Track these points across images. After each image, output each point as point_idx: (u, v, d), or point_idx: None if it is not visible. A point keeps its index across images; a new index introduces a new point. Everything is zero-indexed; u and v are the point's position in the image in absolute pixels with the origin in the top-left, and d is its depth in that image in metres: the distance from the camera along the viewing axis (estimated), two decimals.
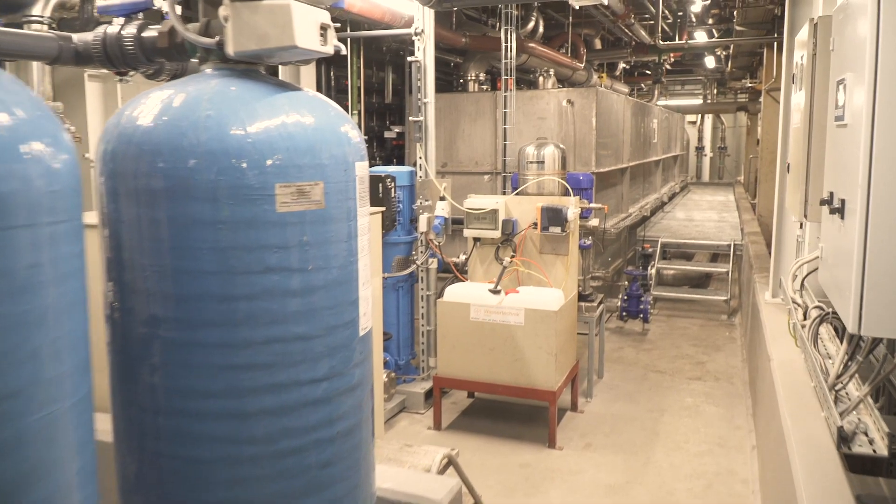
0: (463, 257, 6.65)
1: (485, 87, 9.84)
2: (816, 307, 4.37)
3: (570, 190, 6.07)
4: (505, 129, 7.60)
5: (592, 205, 6.41)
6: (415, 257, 6.49)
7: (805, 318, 4.37)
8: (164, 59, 2.50)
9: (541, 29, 11.31)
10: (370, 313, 2.41)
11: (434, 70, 6.37)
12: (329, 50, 2.28)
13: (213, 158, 1.97)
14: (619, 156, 10.13)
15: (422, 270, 6.54)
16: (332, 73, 9.01)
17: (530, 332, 5.51)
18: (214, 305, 2.02)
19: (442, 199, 6.32)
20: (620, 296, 9.12)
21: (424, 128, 6.41)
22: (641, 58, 14.10)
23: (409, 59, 6.32)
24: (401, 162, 9.66)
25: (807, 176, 3.40)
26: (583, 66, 12.15)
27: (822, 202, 2.94)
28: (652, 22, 15.90)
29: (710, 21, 12.47)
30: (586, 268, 6.92)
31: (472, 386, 5.88)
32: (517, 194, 6.46)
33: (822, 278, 3.18)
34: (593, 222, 6.37)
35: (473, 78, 9.36)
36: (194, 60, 2.32)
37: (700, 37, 14.12)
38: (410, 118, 6.45)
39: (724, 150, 25.20)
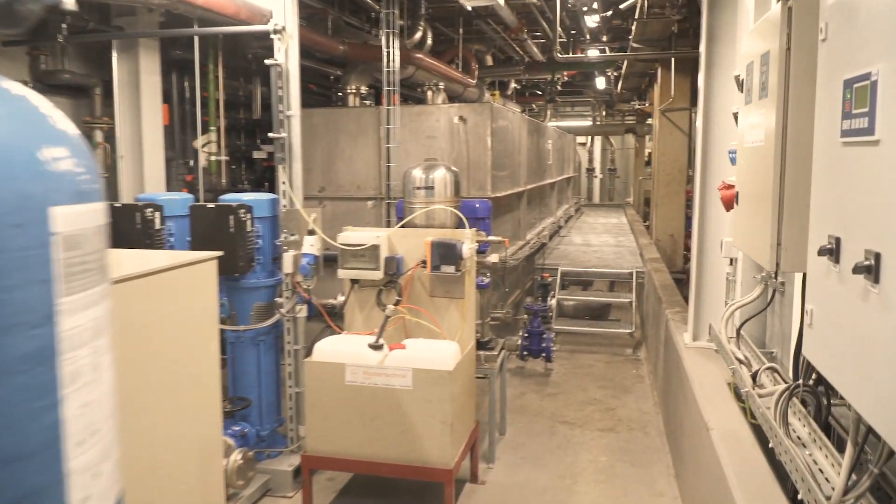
0: (341, 298, 5.53)
1: (367, 101, 8.80)
2: (770, 368, 3.56)
3: (465, 221, 5.10)
4: (388, 148, 6.56)
5: (491, 237, 5.46)
6: (280, 304, 5.32)
7: (755, 381, 3.55)
8: None
9: (429, 41, 10.43)
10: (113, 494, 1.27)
11: (299, 77, 5.26)
12: None
13: None
14: (515, 178, 9.33)
15: (288, 320, 5.37)
16: (186, 84, 7.73)
17: (420, 398, 4.46)
18: None
19: (311, 232, 5.19)
20: (520, 333, 8.25)
21: (288, 147, 5.28)
22: (535, 76, 13.54)
23: (267, 62, 5.18)
24: (273, 187, 8.43)
25: (779, 212, 2.53)
26: (475, 82, 11.36)
27: (823, 251, 2.07)
28: (544, 41, 15.45)
29: (605, 38, 12.03)
30: (485, 308, 5.96)
31: (350, 466, 4.74)
32: (403, 226, 5.42)
33: (811, 351, 2.30)
34: (493, 258, 5.42)
35: (354, 91, 8.30)
36: None
37: (593, 52, 13.71)
38: (271, 134, 5.30)
39: (614, 171, 25.33)
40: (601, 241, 13.25)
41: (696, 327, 5.43)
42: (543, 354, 8.12)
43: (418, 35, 9.37)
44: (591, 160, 26.33)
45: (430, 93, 8.15)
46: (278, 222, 5.33)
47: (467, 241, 5.00)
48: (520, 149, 9.58)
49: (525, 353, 8.13)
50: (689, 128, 11.88)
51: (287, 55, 5.19)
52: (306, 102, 10.00)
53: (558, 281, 9.91)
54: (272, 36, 5.18)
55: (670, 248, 12.02)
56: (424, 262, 5.07)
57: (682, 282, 11.66)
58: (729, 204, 4.14)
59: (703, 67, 5.17)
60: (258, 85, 8.61)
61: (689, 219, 12.71)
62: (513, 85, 17.05)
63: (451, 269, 4.99)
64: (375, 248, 5.10)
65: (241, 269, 5.11)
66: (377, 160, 8.08)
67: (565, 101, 24.94)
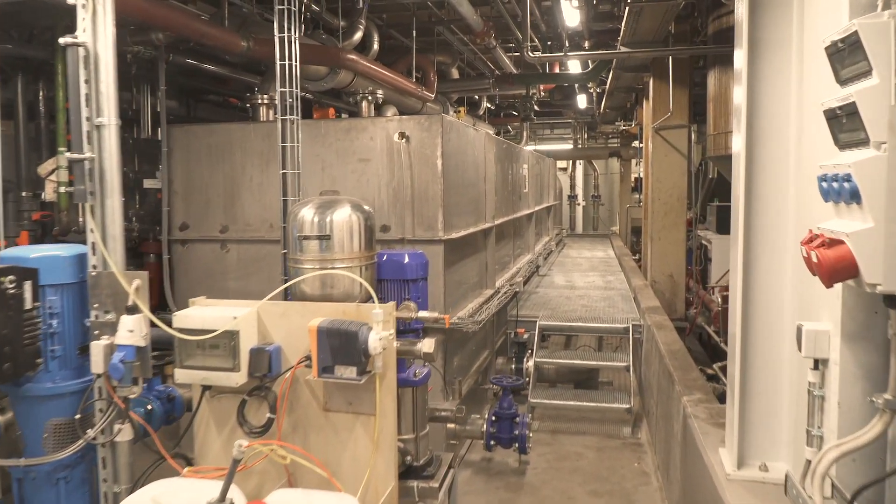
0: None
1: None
2: None
3: (374, 294, 3.15)
4: (284, 175, 4.61)
5: (423, 313, 3.52)
6: (94, 419, 3.36)
7: None
8: None
9: (375, 46, 8.58)
10: None
11: (115, 66, 3.33)
12: None
13: None
14: (480, 212, 7.44)
15: (103, 446, 3.39)
16: (43, 92, 5.82)
17: None
18: None
19: (132, 309, 3.23)
20: (486, 415, 6.29)
21: (98, 173, 3.34)
22: (507, 90, 11.71)
23: (62, 40, 3.25)
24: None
25: None
26: (433, 96, 9.50)
27: None
28: (517, 54, 13.68)
29: (587, 46, 10.27)
30: (420, 410, 3.98)
31: None
32: (287, 298, 3.50)
33: None
34: (425, 345, 3.48)
35: (266, 101, 6.38)
36: None
37: (574, 65, 11.93)
38: (68, 154, 3.34)
39: (598, 198, 23.56)
40: (587, 281, 11.35)
41: (741, 448, 3.49)
42: (516, 444, 6.16)
43: (357, 36, 7.49)
44: (572, 186, 24.58)
45: (364, 103, 6.27)
46: (87, 292, 3.37)
47: (378, 326, 3.06)
48: (485, 175, 7.70)
49: (492, 441, 6.17)
50: (689, 149, 10.09)
51: (94, 33, 3.27)
52: (218, 119, 8.10)
53: (536, 337, 7.98)
54: (72, 2, 3.27)
55: (669, 291, 10.15)
56: (310, 357, 3.12)
57: (683, 331, 9.81)
58: (832, 272, 2.26)
59: (744, 52, 3.30)
60: (146, 94, 6.67)
61: (690, 253, 10.91)
62: (485, 104, 15.25)
63: (350, 371, 3.05)
64: (232, 335, 3.15)
65: (9, 374, 3.13)
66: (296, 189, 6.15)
67: (543, 122, 23.25)
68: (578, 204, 24.78)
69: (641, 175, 19.09)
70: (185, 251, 6.52)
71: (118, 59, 3.37)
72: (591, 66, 11.58)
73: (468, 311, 6.51)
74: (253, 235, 6.27)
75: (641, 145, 18.80)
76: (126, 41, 5.72)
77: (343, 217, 3.50)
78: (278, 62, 4.42)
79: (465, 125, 6.76)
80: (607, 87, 12.84)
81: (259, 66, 7.64)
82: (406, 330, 3.70)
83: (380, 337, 3.05)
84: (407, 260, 3.82)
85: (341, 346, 3.05)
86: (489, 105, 15.92)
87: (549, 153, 17.13)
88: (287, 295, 3.66)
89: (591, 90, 14.85)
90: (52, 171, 5.30)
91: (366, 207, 3.64)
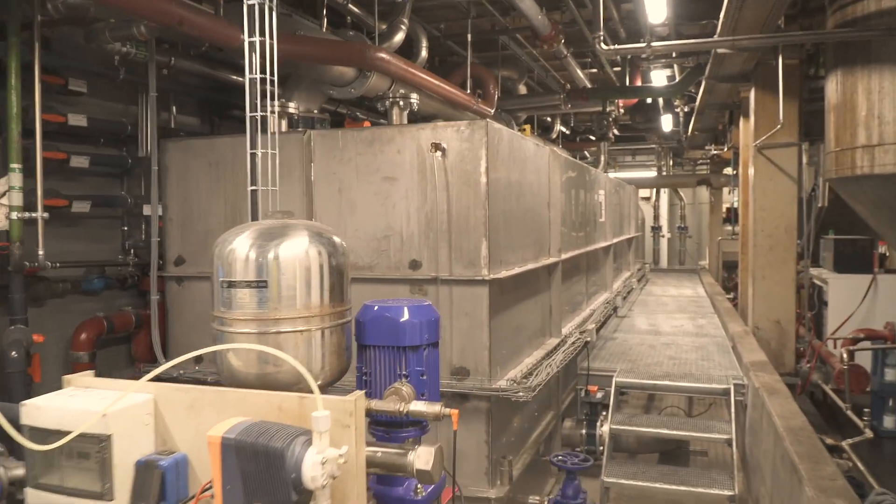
0: None
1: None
2: None
3: (314, 384, 1.88)
4: (253, 194, 3.42)
5: (419, 405, 2.22)
6: None
7: None
8: None
9: (424, 53, 7.44)
10: None
11: None
12: None
13: None
14: (541, 244, 6.10)
15: None
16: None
17: None
18: None
19: None
20: (545, 501, 4.87)
21: None
22: (580, 106, 10.34)
23: None
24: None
25: None
26: (492, 111, 8.25)
27: None
28: (594, 70, 12.33)
29: (672, 54, 8.83)
30: None
31: None
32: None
33: None
34: (421, 461, 2.16)
35: (279, 110, 5.28)
36: None
37: (658, 77, 10.46)
38: None
39: (685, 230, 21.64)
40: (675, 325, 9.74)
41: None
42: None
43: (399, 38, 6.35)
44: (656, 217, 22.74)
45: (395, 110, 5.08)
46: None
47: (320, 440, 1.78)
48: (549, 199, 6.37)
49: None
50: (799, 172, 8.44)
51: None
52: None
53: (613, 398, 6.50)
54: None
55: (776, 341, 8.45)
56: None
57: (793, 388, 8.11)
58: None
59: None
60: (144, 104, 5.69)
61: (799, 291, 9.20)
62: (558, 127, 13.90)
63: None
64: (100, 441, 1.95)
65: None
66: (310, 215, 5.00)
67: (624, 148, 21.66)
68: (663, 236, 22.86)
69: (735, 204, 17.25)
70: (180, 291, 5.45)
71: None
72: (677, 78, 10.10)
73: (523, 370, 5.15)
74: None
75: (734, 172, 16.99)
76: (105, 37, 4.73)
77: (294, 253, 2.25)
78: (247, 38, 3.25)
79: (520, 136, 5.47)
80: (697, 104, 11.28)
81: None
82: (399, 423, 2.41)
83: (322, 460, 1.77)
84: (406, 316, 2.54)
85: (258, 473, 1.78)
86: (563, 128, 14.56)
87: (630, 181, 15.60)
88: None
89: (678, 108, 13.28)
90: (3, 194, 4.31)
91: (334, 239, 2.39)
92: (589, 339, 6.57)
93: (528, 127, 10.56)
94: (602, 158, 12.75)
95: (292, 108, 5.36)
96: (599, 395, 6.57)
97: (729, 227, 17.66)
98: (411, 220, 4.76)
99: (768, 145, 8.38)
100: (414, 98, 5.21)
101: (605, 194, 10.10)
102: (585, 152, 16.77)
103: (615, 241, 10.91)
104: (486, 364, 4.63)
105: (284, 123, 5.35)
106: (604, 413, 6.59)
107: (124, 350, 6.17)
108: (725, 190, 17.79)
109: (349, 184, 4.91)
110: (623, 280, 12.09)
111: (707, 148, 16.50)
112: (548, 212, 6.41)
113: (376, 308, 2.55)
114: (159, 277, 5.43)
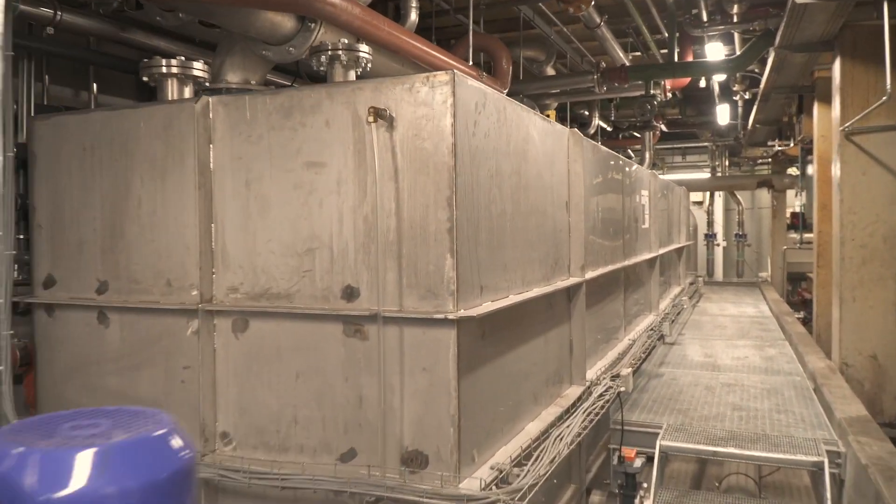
0: None
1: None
2: None
3: None
4: None
5: None
6: None
7: None
8: None
9: (413, 16, 5.89)
10: None
11: None
12: None
13: None
14: (557, 258, 4.45)
15: None
16: None
17: None
18: None
19: None
20: None
21: None
22: (618, 90, 8.61)
23: None
24: None
25: None
26: (504, 91, 6.61)
27: None
28: (637, 53, 10.57)
29: (734, 16, 7.08)
30: None
31: None
32: None
33: None
34: None
35: (176, 72, 3.75)
36: None
37: (715, 51, 8.61)
38: None
39: (743, 238, 19.50)
40: (737, 357, 7.91)
41: None
42: None
43: None
44: (710, 223, 20.65)
45: (337, 67, 3.49)
46: None
47: None
48: (568, 198, 4.72)
49: None
50: None
51: None
52: None
53: (656, 469, 4.79)
54: None
55: (871, 381, 6.59)
56: None
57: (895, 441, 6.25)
58: None
59: None
60: (28, 74, 4.25)
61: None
62: (596, 121, 12.14)
63: None
64: None
65: None
66: (209, 218, 3.47)
67: (673, 147, 19.69)
68: (717, 245, 20.73)
69: (800, 208, 15.18)
70: (51, 323, 3.96)
71: None
72: (738, 51, 8.27)
73: (517, 446, 3.49)
74: (142, 300, 3.61)
75: (798, 173, 14.95)
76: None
77: None
78: None
79: (518, 106, 3.83)
80: (762, 86, 9.42)
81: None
82: None
83: None
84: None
85: None
86: (602, 123, 12.80)
87: (680, 183, 13.74)
88: None
89: (738, 94, 11.39)
90: None
91: None
92: (623, 387, 4.87)
93: (552, 113, 8.87)
94: (647, 155, 10.94)
95: (199, 70, 3.82)
96: (638, 463, 4.85)
97: (794, 235, 15.59)
98: (345, 226, 3.18)
99: (859, 129, 6.55)
100: (364, 50, 3.62)
101: (650, 195, 8.35)
102: (630, 150, 14.95)
103: (662, 251, 9.13)
104: (452, 446, 3.00)
105: (187, 90, 3.83)
106: (644, 486, 4.88)
107: (17, 392, 4.74)
108: (794, 193, 15.72)
109: (260, 173, 3.36)
110: (672, 298, 10.27)
111: (770, 144, 14.51)
112: (566, 215, 4.75)
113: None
114: (26, 305, 3.99)
